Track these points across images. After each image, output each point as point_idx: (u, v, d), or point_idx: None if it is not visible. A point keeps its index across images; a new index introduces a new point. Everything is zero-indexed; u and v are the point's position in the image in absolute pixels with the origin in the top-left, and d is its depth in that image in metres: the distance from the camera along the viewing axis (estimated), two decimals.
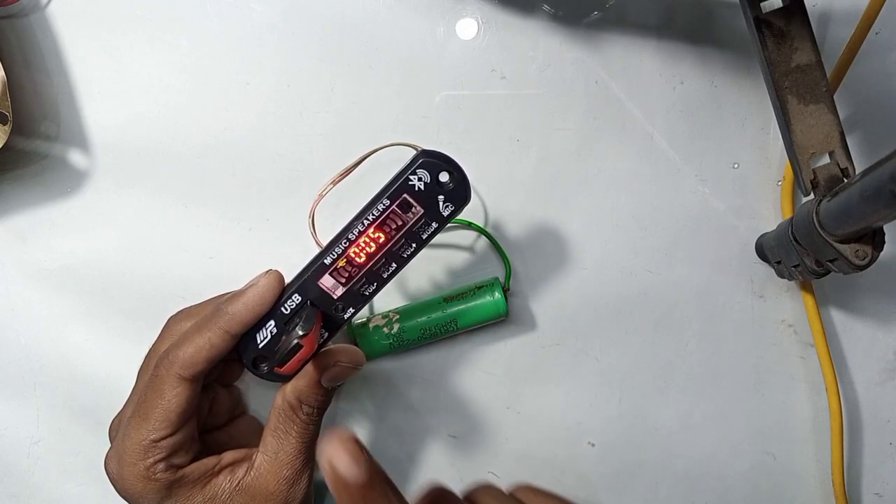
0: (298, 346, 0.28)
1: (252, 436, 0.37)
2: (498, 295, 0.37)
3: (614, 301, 0.40)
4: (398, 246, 0.31)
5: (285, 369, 0.29)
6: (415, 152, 0.31)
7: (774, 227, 0.38)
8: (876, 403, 0.40)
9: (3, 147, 0.35)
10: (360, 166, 0.37)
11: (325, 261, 0.31)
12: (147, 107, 0.39)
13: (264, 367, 0.32)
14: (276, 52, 0.39)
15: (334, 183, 0.36)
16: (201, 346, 0.30)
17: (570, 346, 0.40)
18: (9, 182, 0.39)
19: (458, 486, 0.40)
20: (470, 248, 0.40)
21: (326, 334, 0.32)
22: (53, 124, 0.39)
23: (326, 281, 0.31)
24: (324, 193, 0.35)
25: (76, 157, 0.39)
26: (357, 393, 0.40)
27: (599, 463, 0.40)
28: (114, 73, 0.39)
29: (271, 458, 0.32)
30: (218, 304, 0.31)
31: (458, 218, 0.37)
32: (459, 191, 0.30)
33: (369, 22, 0.39)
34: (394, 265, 0.31)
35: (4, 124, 0.35)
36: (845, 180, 0.32)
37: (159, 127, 0.39)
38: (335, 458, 0.23)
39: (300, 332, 0.28)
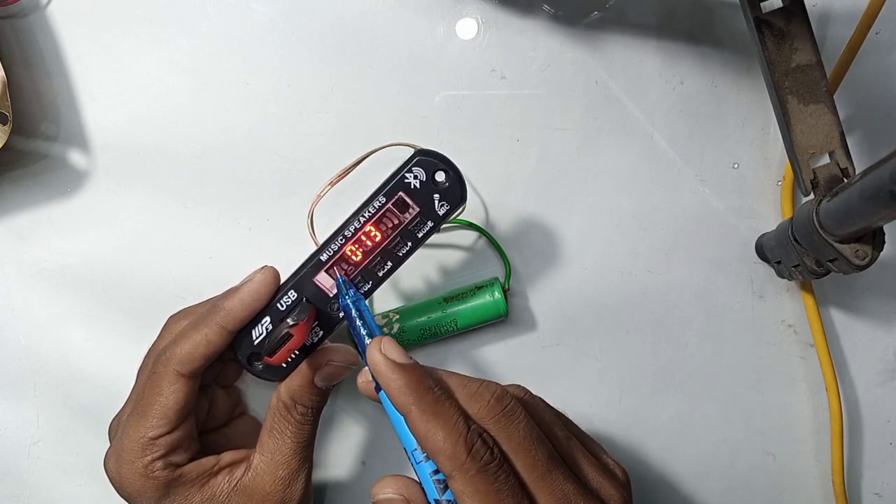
0: (288, 336, 0.28)
1: (252, 436, 0.37)
2: (498, 295, 0.37)
3: (614, 301, 0.40)
4: (394, 244, 0.31)
5: (275, 359, 0.28)
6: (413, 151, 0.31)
7: (774, 227, 0.38)
8: (876, 403, 0.40)
9: (3, 147, 0.35)
10: (360, 166, 0.37)
11: (322, 258, 0.31)
12: (147, 107, 0.39)
13: (259, 365, 0.32)
14: (276, 52, 0.39)
15: (332, 184, 0.36)
16: (198, 343, 0.30)
17: (570, 346, 0.40)
18: (9, 182, 0.39)
19: None
20: (470, 248, 0.40)
21: (322, 332, 0.32)
22: (53, 124, 0.39)
23: (322, 278, 0.31)
24: (322, 194, 0.35)
25: (76, 157, 0.39)
26: (357, 392, 0.40)
27: None
28: (114, 73, 0.39)
29: (267, 458, 0.32)
30: (214, 301, 0.31)
31: (458, 218, 0.37)
32: (455, 190, 0.30)
33: (369, 22, 0.39)
34: (389, 264, 0.31)
35: (4, 124, 0.35)
36: (845, 180, 0.32)
37: (159, 127, 0.39)
38: (386, 345, 0.27)
39: (290, 322, 0.28)
